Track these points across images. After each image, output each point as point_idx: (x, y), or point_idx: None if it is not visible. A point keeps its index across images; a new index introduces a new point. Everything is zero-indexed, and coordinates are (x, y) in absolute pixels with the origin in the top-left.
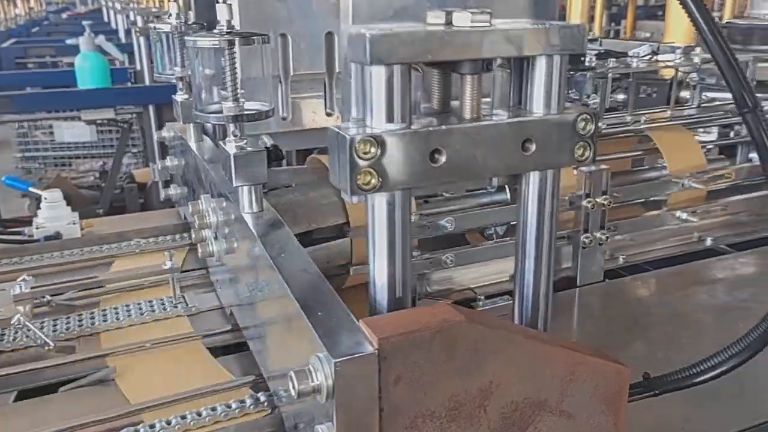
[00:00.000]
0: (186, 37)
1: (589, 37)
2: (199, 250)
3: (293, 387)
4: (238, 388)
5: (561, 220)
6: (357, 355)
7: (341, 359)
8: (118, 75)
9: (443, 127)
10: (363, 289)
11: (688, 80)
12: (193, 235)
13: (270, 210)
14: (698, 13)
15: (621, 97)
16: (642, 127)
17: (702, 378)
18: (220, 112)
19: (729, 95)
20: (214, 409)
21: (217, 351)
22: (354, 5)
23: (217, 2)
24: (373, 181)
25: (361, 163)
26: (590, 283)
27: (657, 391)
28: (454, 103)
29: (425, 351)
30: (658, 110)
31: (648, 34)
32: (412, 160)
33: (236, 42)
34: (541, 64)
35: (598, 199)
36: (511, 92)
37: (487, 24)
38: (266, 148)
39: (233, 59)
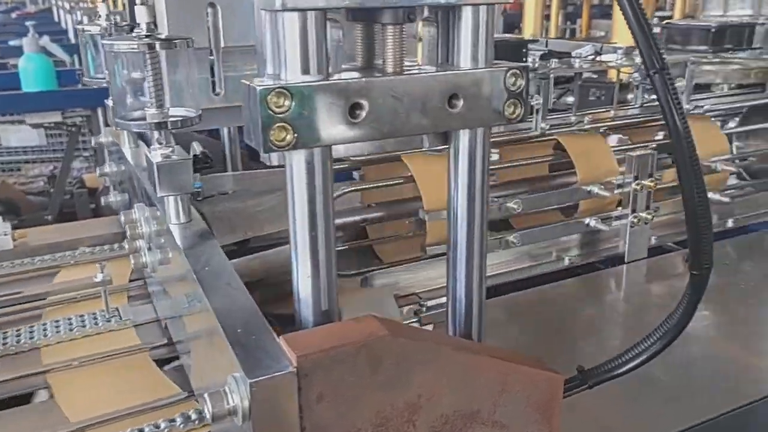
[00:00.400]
0: (102, 41)
1: (532, 38)
2: (132, 261)
3: (208, 410)
4: (185, 401)
5: (605, 202)
6: (274, 375)
7: (257, 379)
8: (66, 77)
9: (363, 79)
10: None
11: (630, 81)
12: (127, 246)
13: (198, 220)
14: None
15: (570, 99)
16: (553, 132)
17: (631, 365)
18: (144, 118)
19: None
20: (157, 426)
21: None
22: None
23: (136, 4)
24: (288, 137)
25: (275, 117)
26: (637, 259)
27: (590, 384)
28: (379, 62)
29: (348, 367)
30: (602, 110)
31: (602, 33)
32: (331, 115)
33: (157, 46)
34: (467, 15)
35: (644, 182)
36: (438, 48)
37: None
38: (194, 155)
39: (155, 64)
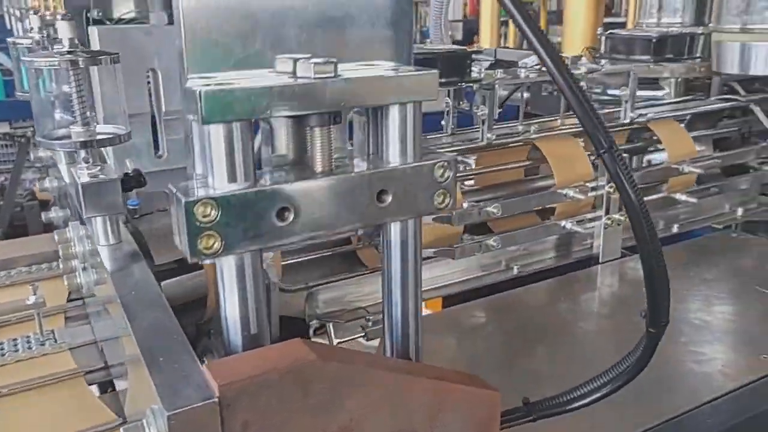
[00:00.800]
0: (22, 57)
1: (477, 49)
2: (66, 282)
3: None
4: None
5: (579, 205)
6: (194, 406)
7: (176, 411)
8: (14, 87)
9: (289, 184)
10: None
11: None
12: (61, 266)
13: (129, 241)
14: (551, 62)
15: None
16: (533, 137)
17: (578, 404)
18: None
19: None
20: None
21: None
22: (189, 51)
23: (57, 20)
24: (215, 244)
25: (201, 227)
26: (611, 259)
27: (535, 417)
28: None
29: (275, 393)
30: (548, 119)
31: (560, 39)
32: (258, 221)
33: (80, 62)
34: (393, 113)
35: None
36: (368, 139)
37: (332, 75)
38: (125, 174)
39: (79, 80)
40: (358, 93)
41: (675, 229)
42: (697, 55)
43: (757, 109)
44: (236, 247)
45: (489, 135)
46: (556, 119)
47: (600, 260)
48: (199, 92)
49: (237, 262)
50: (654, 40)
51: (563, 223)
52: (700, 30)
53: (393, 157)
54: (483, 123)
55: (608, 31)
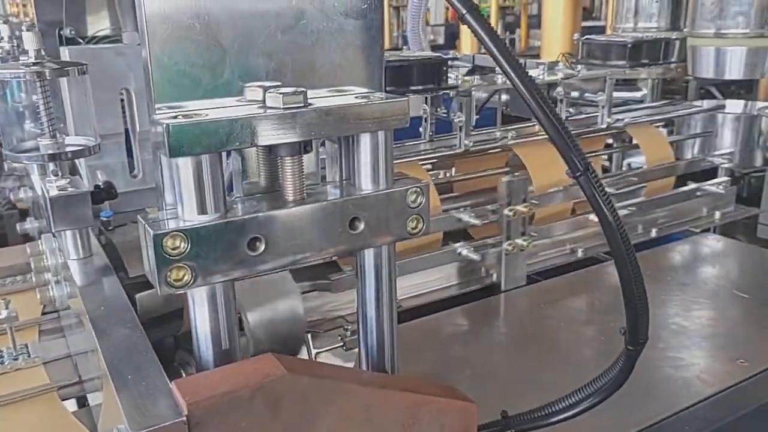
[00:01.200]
0: None
1: (454, 56)
2: (38, 296)
3: None
4: None
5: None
6: (161, 425)
7: (142, 431)
8: None
9: (260, 215)
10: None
11: (554, 94)
12: (34, 279)
13: (100, 255)
14: (523, 87)
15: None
16: (510, 142)
17: (558, 418)
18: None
19: (595, 108)
20: None
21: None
22: (156, 82)
23: (23, 30)
24: (186, 276)
25: (170, 259)
26: (514, 287)
27: (513, 430)
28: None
29: (245, 411)
30: (525, 125)
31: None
32: (229, 252)
33: (47, 73)
34: (365, 141)
35: (518, 207)
36: (340, 166)
37: (301, 105)
38: (96, 186)
39: (46, 92)
40: (328, 123)
41: (654, 233)
42: (672, 59)
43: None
44: (207, 279)
45: (466, 141)
46: (534, 124)
47: (502, 288)
48: (166, 126)
49: (210, 306)
50: (629, 46)
51: (459, 249)
52: (674, 35)
53: (365, 184)
54: (460, 130)
55: (584, 37)
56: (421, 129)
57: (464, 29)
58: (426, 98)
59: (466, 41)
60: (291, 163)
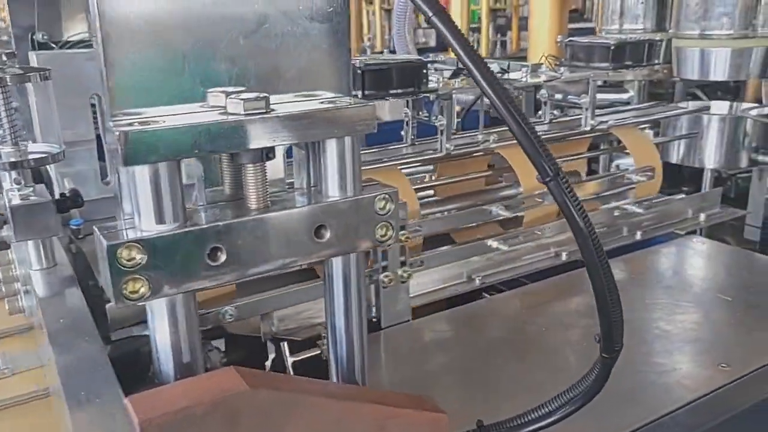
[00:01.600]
0: None
1: (440, 59)
2: (7, 306)
3: None
4: None
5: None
6: None
7: None
8: None
9: (220, 223)
10: None
11: (538, 97)
12: (3, 288)
13: (65, 265)
14: (492, 92)
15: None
16: (492, 145)
17: (533, 427)
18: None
19: (579, 111)
20: None
21: None
22: (114, 88)
23: None
24: (142, 289)
25: (126, 271)
26: (396, 323)
27: None
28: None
29: (200, 428)
30: (506, 129)
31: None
32: (188, 263)
33: (7, 79)
34: (331, 147)
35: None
36: (309, 173)
37: (263, 110)
38: (61, 194)
39: (7, 98)
40: (291, 129)
41: (638, 235)
42: (656, 61)
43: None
44: (164, 291)
45: (448, 145)
46: None
47: (381, 326)
48: (121, 134)
49: (170, 317)
50: (612, 47)
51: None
52: (658, 36)
53: (332, 190)
54: (441, 133)
55: (568, 39)
56: (402, 133)
57: None
58: (407, 102)
59: None
60: (254, 171)
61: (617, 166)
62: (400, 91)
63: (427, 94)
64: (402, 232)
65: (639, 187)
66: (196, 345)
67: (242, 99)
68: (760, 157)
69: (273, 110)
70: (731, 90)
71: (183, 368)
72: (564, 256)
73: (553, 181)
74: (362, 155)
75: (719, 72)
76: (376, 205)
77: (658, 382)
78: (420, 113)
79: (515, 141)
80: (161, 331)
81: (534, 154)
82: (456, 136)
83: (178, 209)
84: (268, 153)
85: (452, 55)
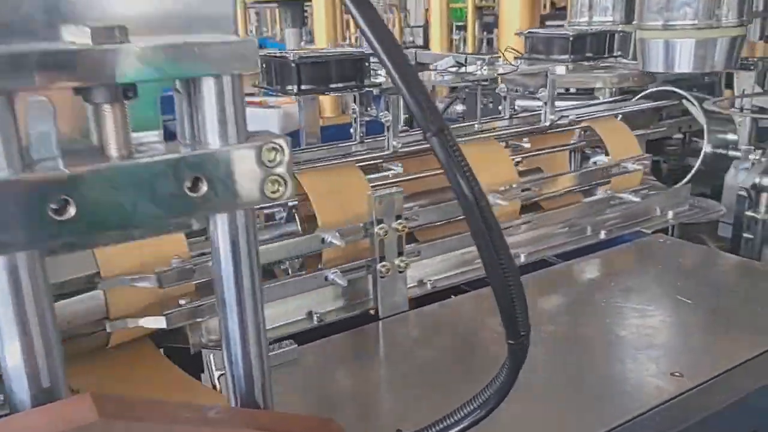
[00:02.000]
0: None
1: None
2: None
3: None
4: None
5: (360, 248)
6: None
7: None
8: None
9: (67, 171)
10: (130, 347)
11: (497, 91)
12: None
13: None
14: (371, 32)
15: (460, 108)
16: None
17: (456, 429)
18: None
19: (539, 104)
20: None
21: None
22: None
23: None
24: None
25: None
26: (394, 314)
27: None
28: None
29: None
30: (462, 125)
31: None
32: (28, 216)
33: None
34: (208, 88)
35: (392, 224)
36: (186, 120)
37: (117, 41)
38: None
39: None
40: (149, 62)
41: (602, 235)
42: (618, 53)
43: (694, 108)
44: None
45: (394, 143)
46: (473, 124)
47: (380, 316)
48: None
49: (12, 283)
50: (571, 39)
51: (328, 274)
52: (628, 29)
53: (211, 138)
54: (388, 130)
55: (527, 31)
56: (351, 130)
57: (434, 29)
58: (354, 97)
59: (436, 41)
60: (111, 112)
61: (594, 162)
62: (341, 85)
63: (371, 89)
64: (398, 221)
65: (624, 178)
66: (56, 362)
67: (90, 28)
68: (731, 152)
69: (126, 42)
70: (706, 86)
71: (44, 394)
72: (522, 258)
73: (435, 137)
74: (309, 153)
75: (684, 63)
76: (264, 156)
77: (607, 394)
78: (368, 109)
79: (470, 138)
80: (11, 343)
81: (416, 107)
82: (403, 135)
83: (15, 153)
84: (127, 92)
85: (435, 50)
